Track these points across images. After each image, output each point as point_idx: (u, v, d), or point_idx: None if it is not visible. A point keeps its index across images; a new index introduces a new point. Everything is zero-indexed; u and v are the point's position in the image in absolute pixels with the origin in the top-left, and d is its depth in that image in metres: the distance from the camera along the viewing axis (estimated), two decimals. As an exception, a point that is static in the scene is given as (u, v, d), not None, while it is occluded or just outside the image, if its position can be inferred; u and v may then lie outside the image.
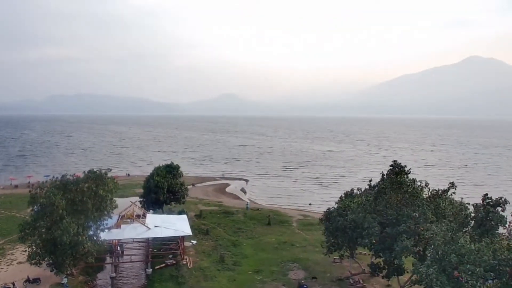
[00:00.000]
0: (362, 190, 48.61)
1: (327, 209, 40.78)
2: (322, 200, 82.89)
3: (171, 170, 62.04)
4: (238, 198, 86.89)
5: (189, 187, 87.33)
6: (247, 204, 71.66)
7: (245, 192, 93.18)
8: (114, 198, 40.62)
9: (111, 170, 44.18)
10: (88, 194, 37.55)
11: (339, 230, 36.32)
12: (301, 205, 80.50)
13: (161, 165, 64.47)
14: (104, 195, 38.58)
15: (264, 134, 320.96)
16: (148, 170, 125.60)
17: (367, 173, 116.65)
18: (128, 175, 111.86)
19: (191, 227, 58.30)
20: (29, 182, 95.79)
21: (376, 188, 35.17)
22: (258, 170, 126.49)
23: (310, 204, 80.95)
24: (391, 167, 35.60)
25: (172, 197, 61.99)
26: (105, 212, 39.53)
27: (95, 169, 41.05)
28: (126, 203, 63.23)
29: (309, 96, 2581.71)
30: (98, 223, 38.78)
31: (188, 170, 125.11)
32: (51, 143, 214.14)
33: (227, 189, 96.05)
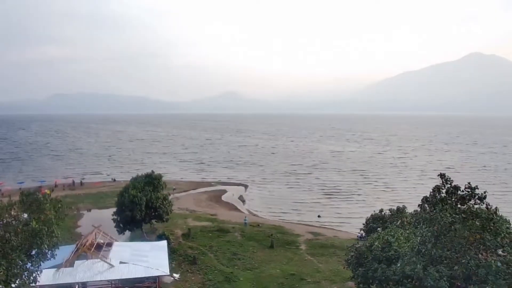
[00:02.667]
0: (394, 209, 37.27)
1: (356, 249, 28.09)
2: (335, 213, 71.45)
3: (151, 181, 50.67)
4: (235, 209, 75.48)
5: (170, 196, 76.62)
6: (245, 220, 60.24)
7: (243, 201, 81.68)
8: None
9: (53, 189, 32.72)
10: (13, 229, 26.19)
11: (378, 281, 24.65)
12: (309, 219, 69.04)
13: (139, 174, 53.03)
14: (38, 229, 27.17)
15: (266, 133, 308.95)
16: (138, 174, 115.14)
17: (388, 180, 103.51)
18: (114, 180, 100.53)
19: (175, 252, 47.07)
20: (0, 190, 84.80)
21: (435, 223, 23.22)
22: (259, 174, 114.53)
23: (319, 217, 69.51)
24: (452, 189, 23.87)
25: (153, 214, 50.77)
26: (45, 251, 28.22)
27: (31, 190, 29.73)
28: (104, 217, 52.29)
29: (309, 94, 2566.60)
30: (32, 268, 27.45)
31: (183, 174, 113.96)
32: (41, 145, 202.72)
33: (223, 197, 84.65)
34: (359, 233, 56.31)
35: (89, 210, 71.31)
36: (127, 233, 51.92)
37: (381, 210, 36.35)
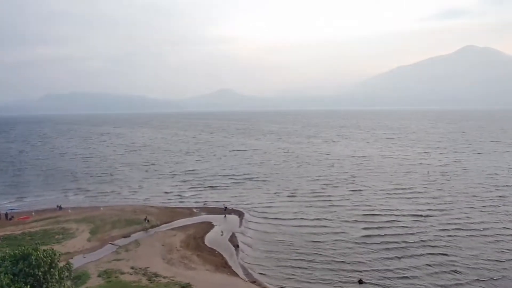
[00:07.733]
0: None
1: None
2: (384, 271, 43.70)
3: (28, 272, 23.36)
4: (223, 265, 48.08)
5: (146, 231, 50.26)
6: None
7: (236, 247, 54.29)
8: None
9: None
10: None
11: None
12: (343, 282, 42.04)
13: (8, 251, 25.46)
14: None
15: (267, 132, 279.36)
16: (98, 198, 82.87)
17: (464, 209, 66.47)
18: (60, 208, 73.26)
19: None
20: None
21: None
22: (261, 194, 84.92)
23: (361, 283, 42.38)
24: None
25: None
26: None
27: None
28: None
29: (304, 90, 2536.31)
30: None
31: (161, 196, 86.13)
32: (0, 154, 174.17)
33: (207, 239, 57.40)
34: None
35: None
36: None
37: None
